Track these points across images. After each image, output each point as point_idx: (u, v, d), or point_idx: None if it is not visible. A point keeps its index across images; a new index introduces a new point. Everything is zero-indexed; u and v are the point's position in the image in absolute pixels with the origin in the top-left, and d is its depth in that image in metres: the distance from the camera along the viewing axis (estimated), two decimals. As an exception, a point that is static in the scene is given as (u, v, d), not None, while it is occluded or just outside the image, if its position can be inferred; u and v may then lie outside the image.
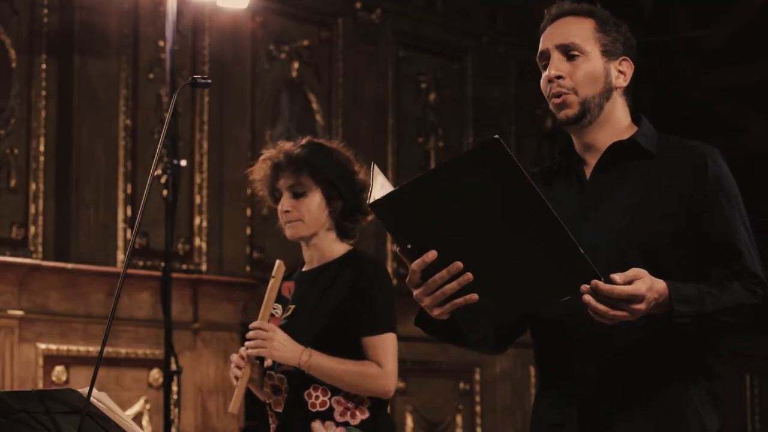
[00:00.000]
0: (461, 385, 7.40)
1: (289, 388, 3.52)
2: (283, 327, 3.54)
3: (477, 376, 7.46)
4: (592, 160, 2.77)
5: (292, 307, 3.61)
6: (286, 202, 3.58)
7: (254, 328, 3.48)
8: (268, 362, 3.54)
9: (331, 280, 3.57)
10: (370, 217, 3.65)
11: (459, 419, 7.36)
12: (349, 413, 3.50)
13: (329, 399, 3.50)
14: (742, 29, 8.56)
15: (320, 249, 3.63)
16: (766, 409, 8.86)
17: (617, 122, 2.77)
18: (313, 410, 3.49)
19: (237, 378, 3.48)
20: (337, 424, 3.49)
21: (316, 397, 3.49)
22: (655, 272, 2.56)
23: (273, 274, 3.53)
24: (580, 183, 2.77)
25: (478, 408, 7.45)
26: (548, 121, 8.14)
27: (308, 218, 3.57)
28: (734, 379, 8.69)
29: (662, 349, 2.63)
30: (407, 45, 7.52)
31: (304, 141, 3.65)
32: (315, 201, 3.58)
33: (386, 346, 3.52)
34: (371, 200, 2.42)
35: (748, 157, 7.87)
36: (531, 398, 6.97)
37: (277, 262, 3.56)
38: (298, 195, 3.57)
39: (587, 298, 2.44)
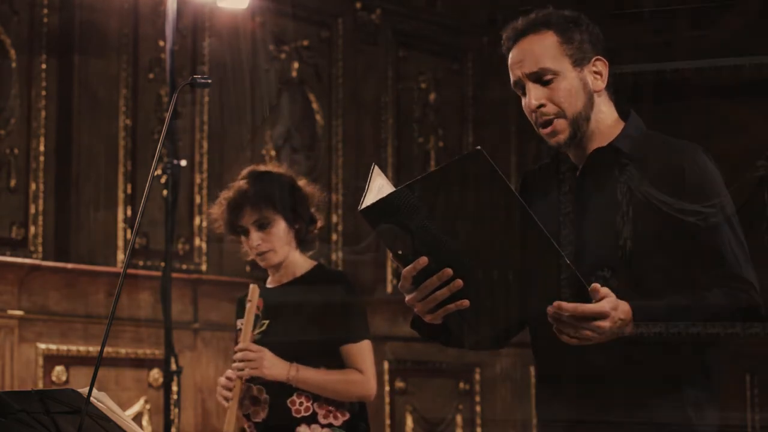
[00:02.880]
0: (461, 385, 7.40)
1: (271, 397, 3.70)
2: (257, 342, 3.72)
3: (477, 376, 7.46)
4: (579, 165, 2.75)
5: (266, 322, 3.77)
6: (255, 237, 3.75)
7: (241, 350, 3.66)
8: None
9: (302, 294, 3.77)
10: (319, 223, 3.87)
11: (459, 419, 7.36)
12: (332, 415, 3.69)
13: (312, 404, 3.69)
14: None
15: (287, 267, 3.81)
16: (766, 409, 8.85)
17: (602, 124, 2.73)
18: (298, 416, 3.69)
19: (227, 399, 3.62)
20: (322, 426, 3.68)
21: (300, 403, 3.68)
22: (636, 279, 2.55)
23: (249, 298, 3.71)
24: (567, 188, 2.76)
25: (478, 408, 7.44)
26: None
27: (278, 246, 3.75)
28: (734, 379, 8.69)
29: (658, 346, 2.63)
30: (407, 45, 7.52)
31: (246, 172, 3.84)
32: (281, 229, 3.75)
33: (364, 352, 3.72)
34: (362, 206, 2.43)
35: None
36: (531, 398, 6.96)
37: (251, 285, 3.75)
38: (264, 227, 3.74)
39: (550, 318, 2.43)
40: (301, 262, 3.79)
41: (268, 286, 3.83)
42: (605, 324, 2.45)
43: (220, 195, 3.83)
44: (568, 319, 2.44)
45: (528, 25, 2.71)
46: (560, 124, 2.68)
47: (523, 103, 2.73)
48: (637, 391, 2.66)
